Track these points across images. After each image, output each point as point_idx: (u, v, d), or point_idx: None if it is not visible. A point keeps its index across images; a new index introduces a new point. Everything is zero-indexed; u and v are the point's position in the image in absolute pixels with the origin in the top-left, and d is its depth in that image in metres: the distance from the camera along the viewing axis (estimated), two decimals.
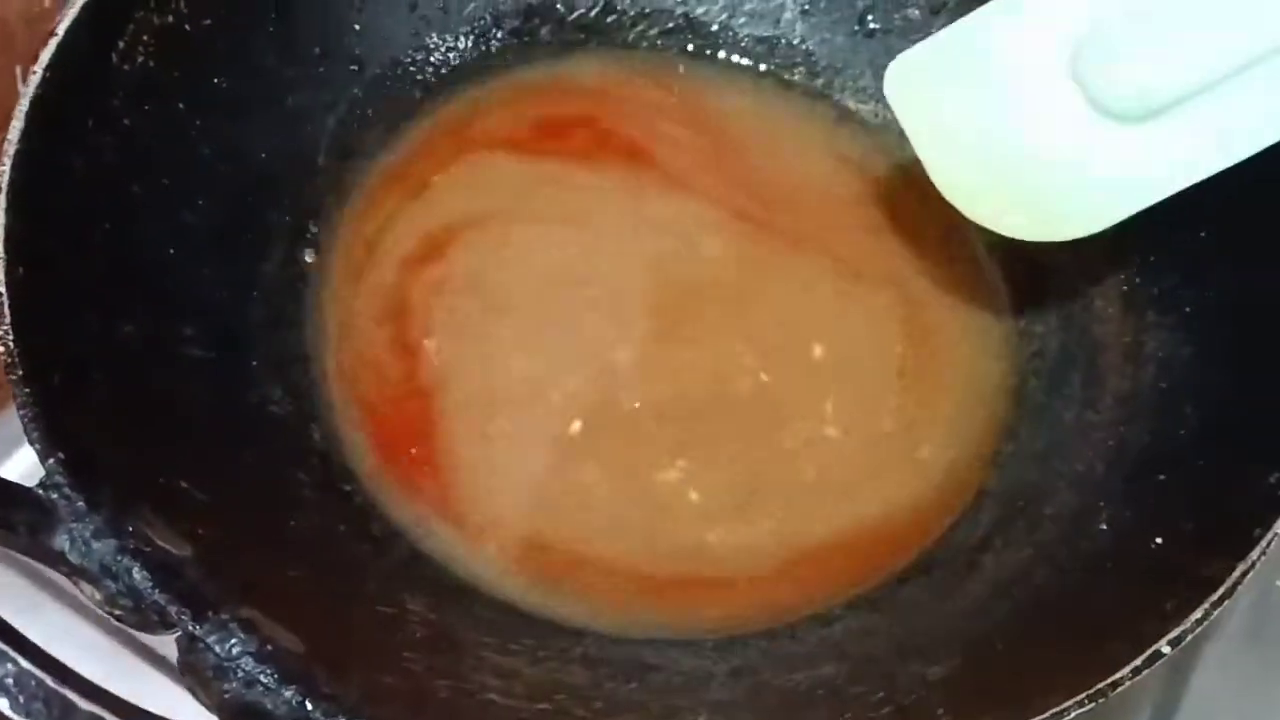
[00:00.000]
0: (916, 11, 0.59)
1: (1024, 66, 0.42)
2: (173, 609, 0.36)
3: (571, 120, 0.59)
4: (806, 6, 0.61)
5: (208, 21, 0.51)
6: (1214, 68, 0.40)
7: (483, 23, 0.60)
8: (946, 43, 0.45)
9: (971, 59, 0.44)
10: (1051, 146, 0.43)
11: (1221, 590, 0.38)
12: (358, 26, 0.57)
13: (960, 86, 0.44)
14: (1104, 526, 0.46)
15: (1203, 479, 0.44)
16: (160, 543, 0.38)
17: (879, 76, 0.60)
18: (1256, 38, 0.39)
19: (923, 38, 0.58)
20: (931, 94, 0.45)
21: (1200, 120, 0.40)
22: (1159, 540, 0.43)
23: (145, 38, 0.48)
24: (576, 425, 0.51)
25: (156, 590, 0.36)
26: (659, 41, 0.62)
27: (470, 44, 0.60)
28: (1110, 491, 0.47)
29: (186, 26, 0.50)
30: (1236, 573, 0.38)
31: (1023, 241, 0.45)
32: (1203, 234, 0.50)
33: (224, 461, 0.46)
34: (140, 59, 0.48)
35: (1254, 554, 0.38)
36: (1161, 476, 0.46)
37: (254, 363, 0.50)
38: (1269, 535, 0.38)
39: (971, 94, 0.44)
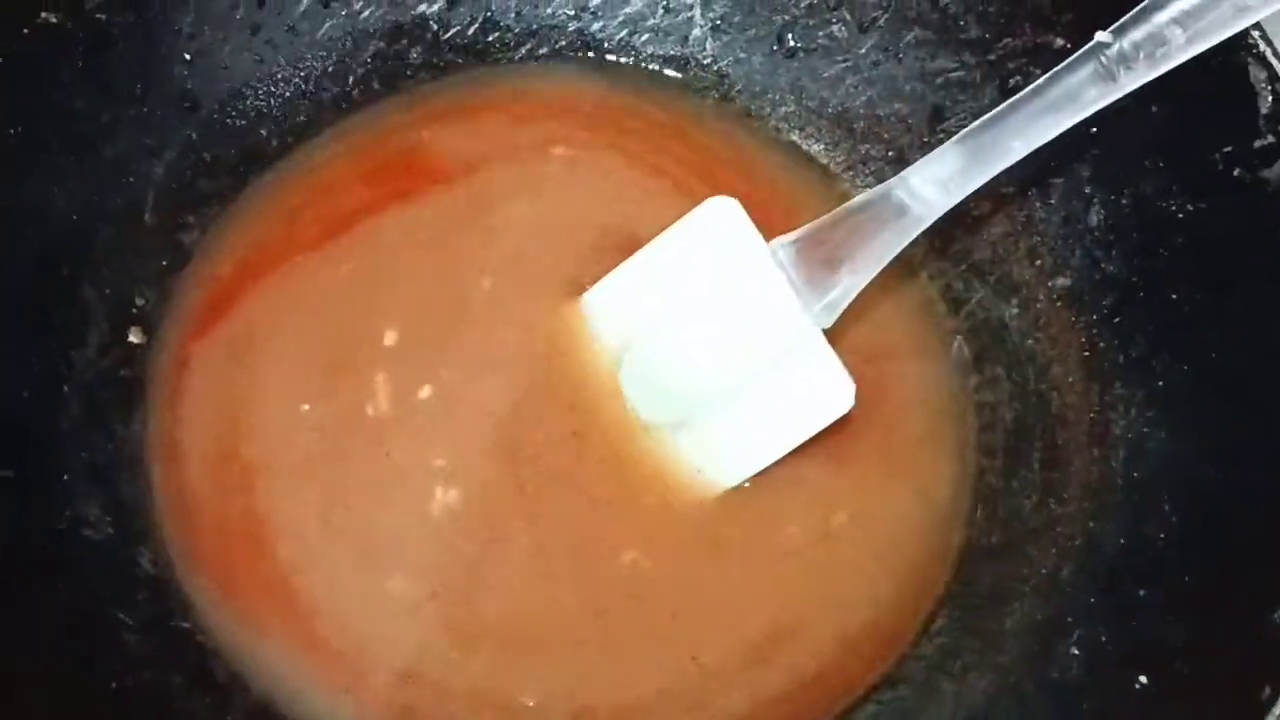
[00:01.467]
0: (842, 29, 0.51)
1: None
2: None
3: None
4: (718, 22, 0.53)
5: None
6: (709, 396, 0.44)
7: (341, 46, 0.51)
8: None
9: None
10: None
11: None
12: (188, 56, 0.48)
13: None
14: (1075, 651, 0.39)
15: (1192, 601, 0.37)
16: None
17: (803, 102, 0.53)
18: (737, 371, 0.43)
19: (848, 60, 0.51)
20: None
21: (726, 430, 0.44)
22: (1143, 680, 0.36)
23: None
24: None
25: None
26: (550, 64, 0.53)
27: (328, 71, 0.51)
28: (1080, 604, 0.41)
29: None
30: None
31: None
32: (1174, 295, 0.44)
33: (17, 611, 0.37)
34: None
35: None
36: (1141, 592, 0.39)
37: (65, 476, 0.42)
38: None
39: None
